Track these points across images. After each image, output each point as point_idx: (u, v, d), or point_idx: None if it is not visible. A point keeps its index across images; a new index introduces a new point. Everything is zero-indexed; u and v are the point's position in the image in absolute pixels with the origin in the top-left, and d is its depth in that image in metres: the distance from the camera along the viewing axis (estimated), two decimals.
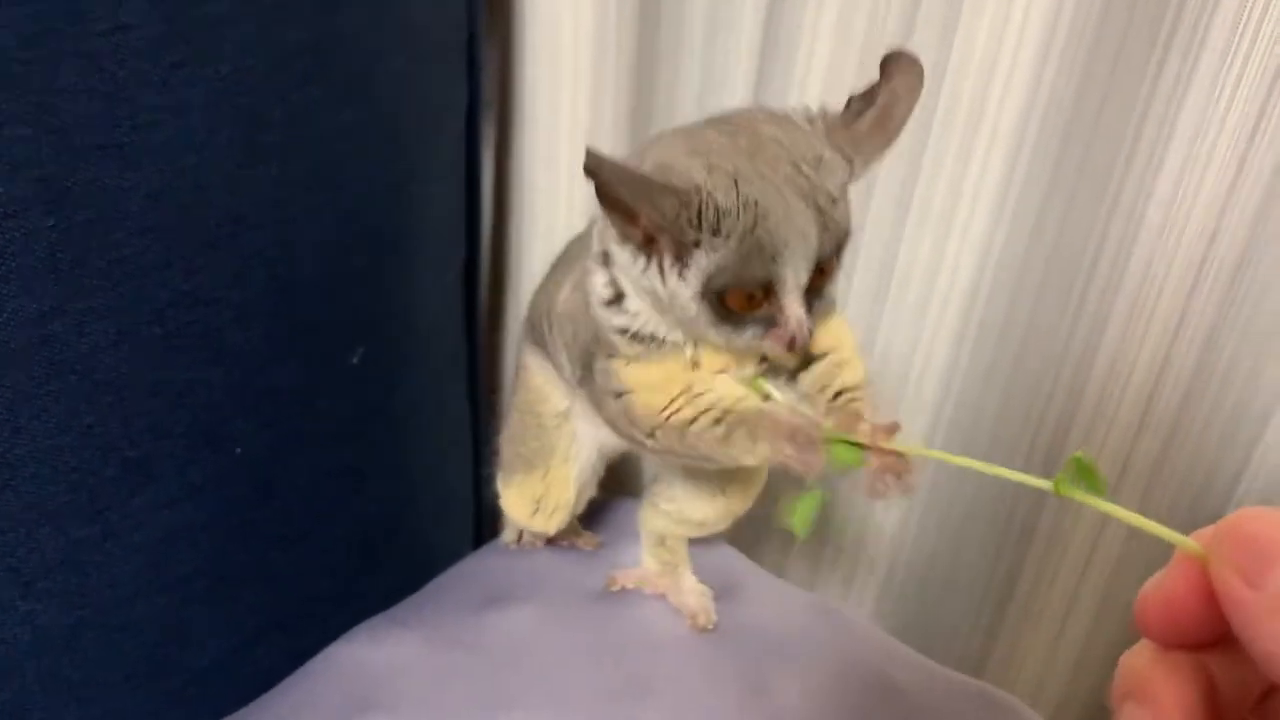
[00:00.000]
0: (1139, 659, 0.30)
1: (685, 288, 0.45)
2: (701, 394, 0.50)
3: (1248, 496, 0.80)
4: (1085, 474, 0.33)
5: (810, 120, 0.47)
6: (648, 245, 0.46)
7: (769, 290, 0.45)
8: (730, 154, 0.44)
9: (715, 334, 0.47)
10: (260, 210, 0.59)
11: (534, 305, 0.62)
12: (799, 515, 0.45)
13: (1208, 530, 0.29)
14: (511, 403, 0.66)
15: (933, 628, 0.96)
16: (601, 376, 0.53)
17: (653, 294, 0.48)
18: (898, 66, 0.46)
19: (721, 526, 0.66)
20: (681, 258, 0.45)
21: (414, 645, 0.60)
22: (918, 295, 0.85)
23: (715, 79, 0.85)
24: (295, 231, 0.61)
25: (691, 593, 0.65)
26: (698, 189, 0.43)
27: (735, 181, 0.43)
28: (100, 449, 0.55)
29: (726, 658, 0.60)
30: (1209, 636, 0.29)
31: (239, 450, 0.62)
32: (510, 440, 0.65)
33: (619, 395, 0.52)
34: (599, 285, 0.51)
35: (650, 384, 0.51)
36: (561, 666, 0.59)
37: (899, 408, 0.89)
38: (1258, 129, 0.69)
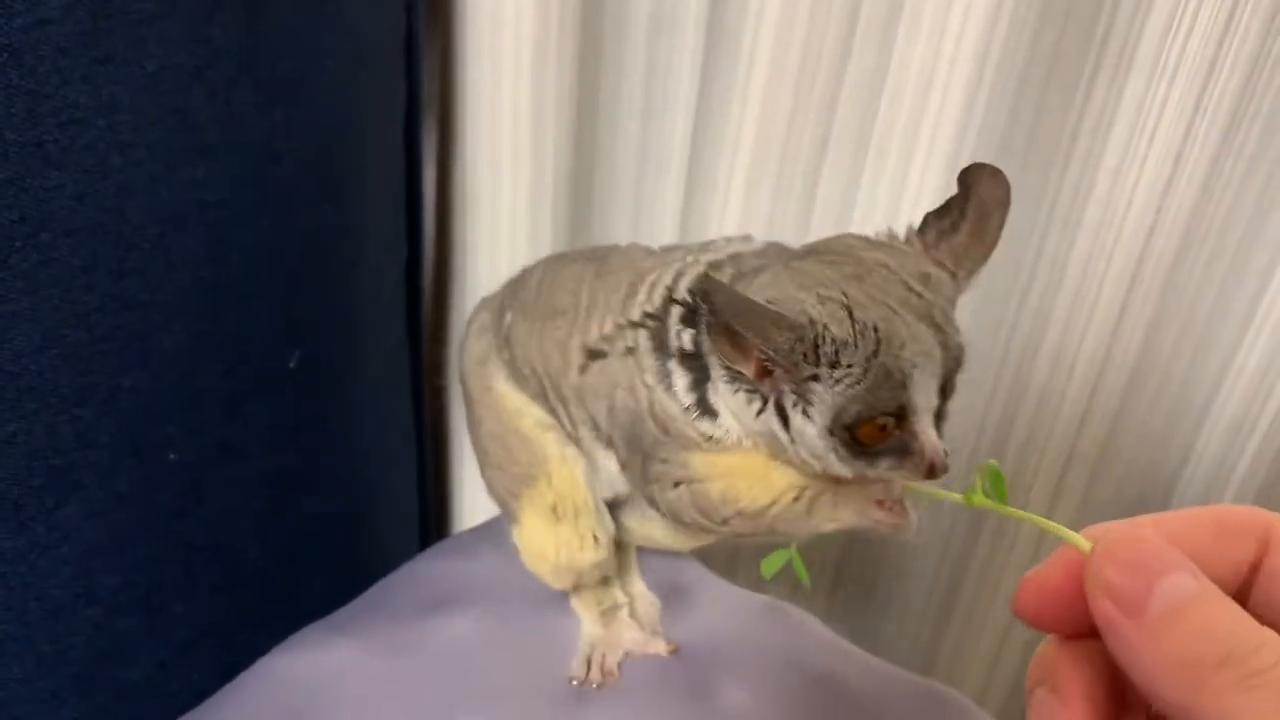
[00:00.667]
0: (1049, 647, 0.31)
1: (810, 426, 0.43)
2: (778, 476, 0.48)
3: (1190, 486, 0.81)
4: (995, 482, 0.34)
5: (907, 240, 0.46)
6: (761, 382, 0.44)
7: (901, 418, 0.42)
8: (838, 282, 0.43)
9: (848, 469, 0.44)
10: (189, 211, 0.57)
11: (515, 343, 0.57)
12: (769, 564, 0.47)
13: (1099, 528, 0.29)
14: (477, 440, 0.62)
15: (882, 626, 0.97)
16: (665, 466, 0.50)
17: (770, 436, 0.45)
18: (980, 178, 0.45)
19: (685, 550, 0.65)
20: (803, 394, 0.43)
21: (352, 653, 0.59)
22: None
23: (659, 75, 0.84)
24: (226, 233, 0.60)
25: (641, 599, 0.64)
26: (812, 322, 0.41)
27: (849, 310, 0.41)
28: (25, 457, 0.53)
29: (672, 661, 0.60)
30: (1083, 627, 0.29)
31: (172, 457, 0.60)
32: (499, 473, 0.60)
33: (686, 483, 0.50)
34: (680, 392, 0.48)
35: (729, 470, 0.49)
36: (504, 672, 0.58)
37: None
38: (1192, 126, 0.70)
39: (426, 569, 0.67)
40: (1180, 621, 0.26)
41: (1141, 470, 0.82)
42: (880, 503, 0.46)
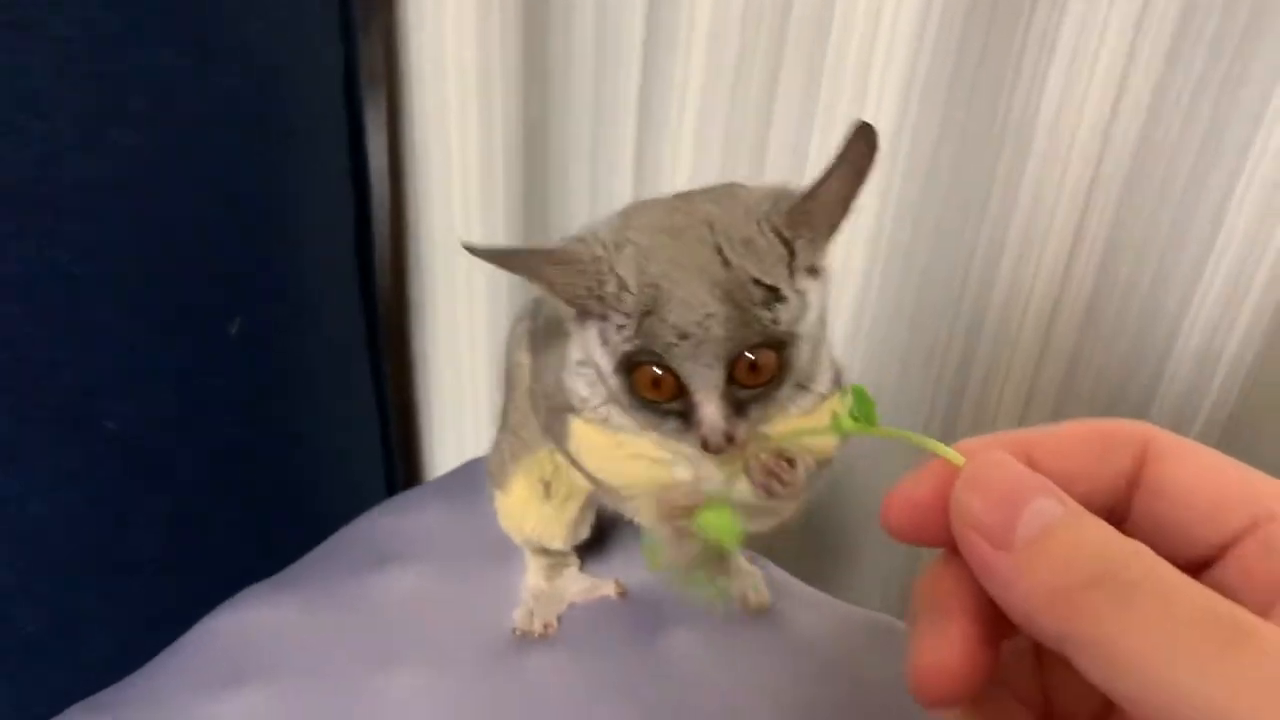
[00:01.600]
0: (934, 568, 0.30)
1: (607, 361, 0.43)
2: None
3: (1162, 409, 0.81)
4: (863, 404, 0.34)
5: (760, 199, 0.43)
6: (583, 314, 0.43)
7: (682, 388, 0.41)
8: (655, 231, 0.42)
9: (638, 419, 0.44)
10: (119, 177, 0.56)
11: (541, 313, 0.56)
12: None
13: (973, 442, 0.29)
14: (506, 407, 0.60)
15: (854, 575, 0.97)
16: (558, 422, 0.50)
17: (595, 366, 0.45)
18: (852, 136, 0.40)
19: None
20: (602, 331, 0.42)
21: (295, 609, 0.58)
22: None
23: (609, 24, 0.83)
24: (159, 199, 0.58)
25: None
26: (596, 259, 0.41)
27: (643, 260, 0.41)
28: None
29: (618, 608, 0.60)
30: (948, 540, 0.28)
31: (115, 429, 0.59)
32: (508, 436, 0.59)
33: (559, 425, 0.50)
34: (577, 347, 0.47)
35: (588, 447, 0.49)
36: (447, 625, 0.58)
37: None
38: (1135, 49, 0.69)
39: (372, 526, 0.66)
40: (1048, 548, 0.25)
41: (1106, 404, 0.82)
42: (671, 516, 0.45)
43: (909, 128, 0.77)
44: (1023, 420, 0.83)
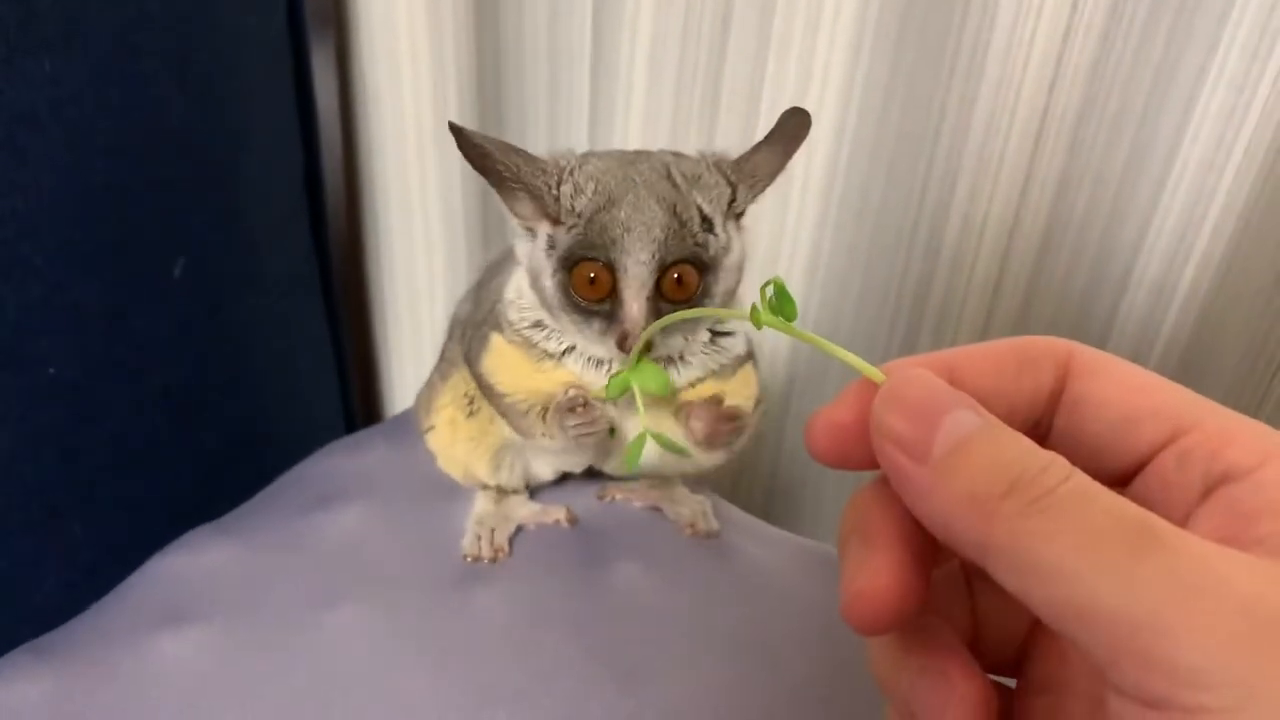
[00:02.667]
0: (863, 495, 0.30)
1: (549, 263, 0.49)
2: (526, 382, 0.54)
3: (1122, 335, 0.81)
4: (781, 299, 0.33)
5: (708, 154, 0.51)
6: (534, 222, 0.50)
7: (614, 282, 0.47)
8: (611, 159, 0.50)
9: (568, 321, 0.50)
10: (41, 109, 0.54)
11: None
12: (631, 454, 0.51)
13: (896, 364, 0.29)
14: (445, 345, 0.66)
15: (821, 522, 0.97)
16: (479, 332, 0.57)
17: (534, 274, 0.51)
18: (789, 115, 0.51)
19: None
20: (552, 237, 0.49)
21: (235, 551, 0.58)
22: (778, 183, 0.83)
23: None
24: (87, 133, 0.57)
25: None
26: (560, 168, 0.49)
27: (599, 175, 0.48)
28: None
29: (568, 538, 0.60)
30: (874, 463, 0.28)
31: (52, 371, 0.58)
32: (444, 363, 0.64)
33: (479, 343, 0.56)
34: (516, 281, 0.54)
35: (503, 353, 0.55)
36: (392, 560, 0.57)
37: None
38: None
39: (318, 468, 0.66)
40: (966, 458, 0.25)
41: (1065, 333, 0.81)
42: (572, 410, 0.51)
43: (864, 58, 0.76)
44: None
